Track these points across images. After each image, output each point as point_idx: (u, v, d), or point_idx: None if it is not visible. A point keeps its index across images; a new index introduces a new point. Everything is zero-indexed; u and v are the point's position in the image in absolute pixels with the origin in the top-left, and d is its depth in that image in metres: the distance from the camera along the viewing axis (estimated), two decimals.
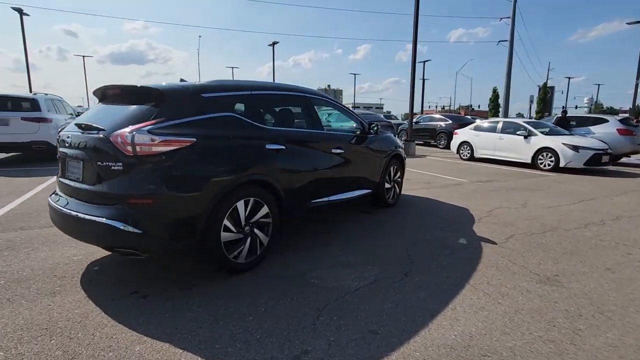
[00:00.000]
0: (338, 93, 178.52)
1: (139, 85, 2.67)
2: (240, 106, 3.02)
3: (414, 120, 17.86)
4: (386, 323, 2.19)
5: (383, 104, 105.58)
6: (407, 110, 13.68)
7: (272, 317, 2.25)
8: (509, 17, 21.88)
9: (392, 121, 24.11)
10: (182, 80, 3.15)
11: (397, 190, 5.20)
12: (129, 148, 2.31)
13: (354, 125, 4.54)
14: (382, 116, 18.75)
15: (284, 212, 3.21)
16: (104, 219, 2.32)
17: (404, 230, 4.06)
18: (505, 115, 21.94)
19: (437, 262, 3.13)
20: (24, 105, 9.07)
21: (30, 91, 25.63)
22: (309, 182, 3.46)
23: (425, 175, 8.10)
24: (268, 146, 3.02)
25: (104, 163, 2.38)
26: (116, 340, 2.01)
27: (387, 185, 4.91)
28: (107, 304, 2.40)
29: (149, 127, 2.38)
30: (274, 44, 30.63)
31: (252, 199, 2.87)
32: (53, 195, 2.88)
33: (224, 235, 2.67)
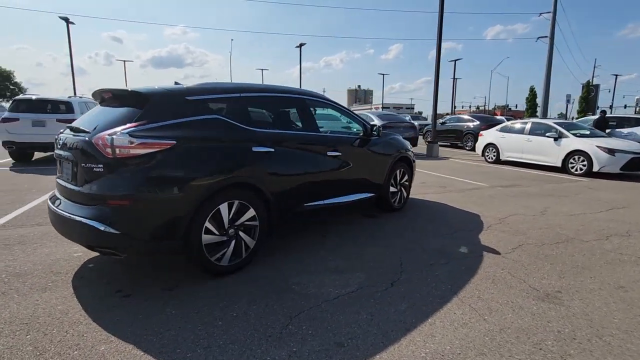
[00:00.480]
0: (368, 93, 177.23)
1: (129, 89, 2.74)
2: (227, 108, 3.01)
3: (441, 121, 17.36)
4: (356, 336, 2.09)
5: (414, 104, 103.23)
6: (440, 110, 13.28)
7: (242, 323, 2.22)
8: (549, 12, 20.78)
9: (419, 122, 23.59)
10: (176, 83, 3.19)
11: (404, 194, 5.03)
12: (109, 150, 2.36)
13: (355, 127, 4.44)
14: (404, 117, 18.30)
15: (274, 215, 3.17)
16: (86, 219, 2.39)
17: (404, 236, 3.91)
18: (544, 115, 20.77)
19: (430, 272, 2.98)
20: (60, 108, 9.74)
21: (75, 94, 27.42)
22: (301, 185, 3.41)
23: (443, 179, 7.80)
24: (255, 149, 3.00)
25: (88, 164, 2.45)
26: (85, 338, 2.05)
27: (392, 189, 4.76)
28: (89, 301, 2.47)
29: (129, 129, 2.43)
30: (300, 45, 30.83)
31: (236, 202, 2.85)
32: (53, 195, 3.01)
33: (206, 238, 2.68)
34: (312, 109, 3.79)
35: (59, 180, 2.90)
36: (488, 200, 5.79)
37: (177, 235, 2.55)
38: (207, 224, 2.68)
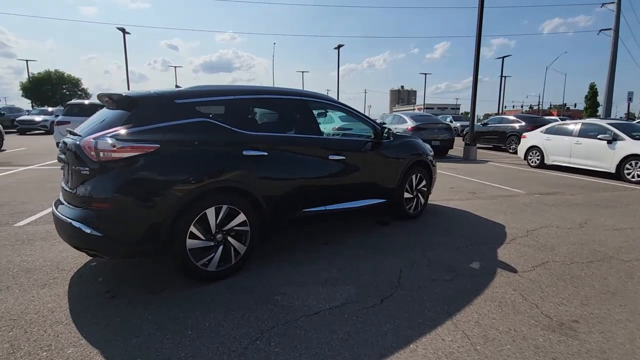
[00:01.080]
0: (412, 94, 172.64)
1: (122, 93, 2.78)
2: (219, 111, 2.97)
3: (483, 122, 16.39)
4: (323, 358, 1.93)
5: (460, 104, 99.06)
6: (488, 110, 12.66)
7: (211, 334, 2.15)
8: (612, 2, 18.86)
9: (462, 122, 22.44)
10: (177, 86, 3.22)
11: (422, 200, 4.72)
12: (93, 153, 2.40)
13: (365, 129, 4.23)
14: (444, 117, 17.51)
15: (268, 220, 3.08)
16: (74, 221, 2.45)
17: (412, 247, 3.64)
18: (607, 115, 18.86)
19: (428, 289, 2.73)
20: None
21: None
22: (298, 190, 3.29)
23: (474, 184, 7.29)
24: (246, 152, 2.92)
25: (77, 167, 2.52)
26: (59, 339, 2.09)
27: (406, 195, 4.48)
28: (77, 300, 2.54)
29: (114, 133, 2.46)
30: (339, 47, 30.72)
31: (225, 206, 2.80)
32: (57, 199, 3.15)
33: (190, 242, 2.65)
34: (314, 111, 3.65)
35: (61, 184, 3.03)
36: (520, 209, 5.28)
37: (159, 239, 2.54)
38: (192, 228, 2.65)
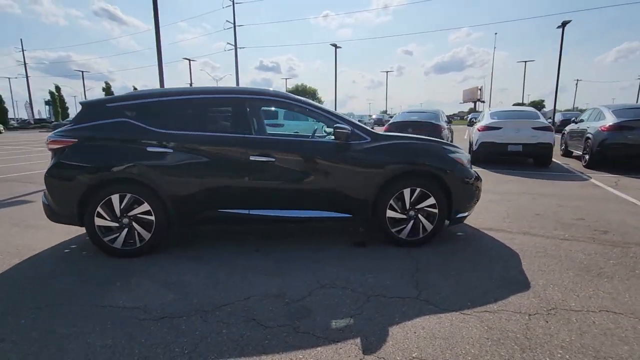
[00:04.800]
0: None
1: (80, 100, 3.66)
2: (141, 112, 3.35)
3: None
4: None
5: None
6: None
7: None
8: None
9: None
10: (134, 88, 3.75)
11: (425, 223, 3.49)
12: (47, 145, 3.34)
13: (325, 128, 3.56)
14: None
15: (173, 214, 3.27)
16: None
17: (336, 280, 2.88)
18: None
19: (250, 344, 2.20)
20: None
21: (335, 106, 34.27)
22: (208, 188, 3.29)
23: (572, 211, 4.48)
24: (150, 148, 3.21)
25: None
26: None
27: (391, 214, 3.46)
28: (57, 279, 3.45)
29: (58, 130, 3.32)
30: (563, 25, 24.15)
31: (128, 195, 3.21)
32: None
33: (97, 220, 3.22)
34: (249, 109, 3.43)
35: None
36: (600, 268, 2.97)
37: (75, 215, 3.23)
38: (99, 209, 3.21)
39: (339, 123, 3.43)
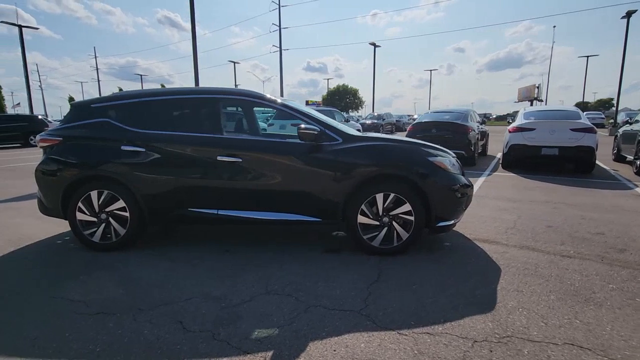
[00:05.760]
0: None
1: (72, 101, 3.88)
2: (122, 113, 3.49)
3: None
4: None
5: None
6: None
7: None
8: None
9: None
10: (120, 89, 3.99)
11: (399, 231, 3.26)
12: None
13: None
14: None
15: (147, 210, 3.37)
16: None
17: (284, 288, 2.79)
18: None
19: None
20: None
21: (373, 106, 33.84)
22: (178, 186, 3.34)
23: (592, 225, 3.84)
24: (124, 147, 3.33)
25: None
26: None
27: (363, 220, 3.27)
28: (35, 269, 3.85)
29: (49, 129, 3.56)
30: (629, 14, 21.55)
31: (105, 192, 3.36)
32: None
33: (78, 215, 3.41)
34: (223, 109, 3.44)
35: None
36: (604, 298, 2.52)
37: (59, 209, 3.44)
38: (80, 204, 3.39)
39: (306, 124, 3.31)
